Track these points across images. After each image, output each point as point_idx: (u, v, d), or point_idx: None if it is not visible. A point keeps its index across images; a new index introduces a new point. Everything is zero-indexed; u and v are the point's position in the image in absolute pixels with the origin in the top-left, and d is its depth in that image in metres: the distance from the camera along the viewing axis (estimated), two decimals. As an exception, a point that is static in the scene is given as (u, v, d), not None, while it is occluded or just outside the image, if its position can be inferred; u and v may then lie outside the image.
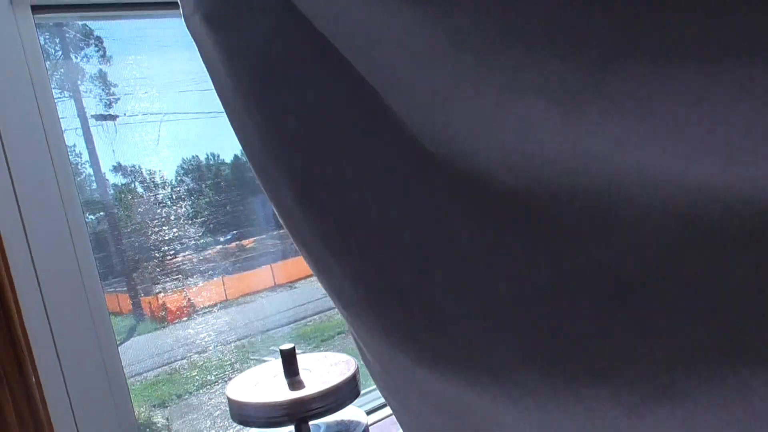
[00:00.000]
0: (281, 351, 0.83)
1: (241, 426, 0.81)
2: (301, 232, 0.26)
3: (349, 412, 0.90)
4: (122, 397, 0.85)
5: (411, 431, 0.28)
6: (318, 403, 0.79)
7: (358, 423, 0.86)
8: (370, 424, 0.95)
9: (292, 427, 0.82)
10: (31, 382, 0.72)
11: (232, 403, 0.81)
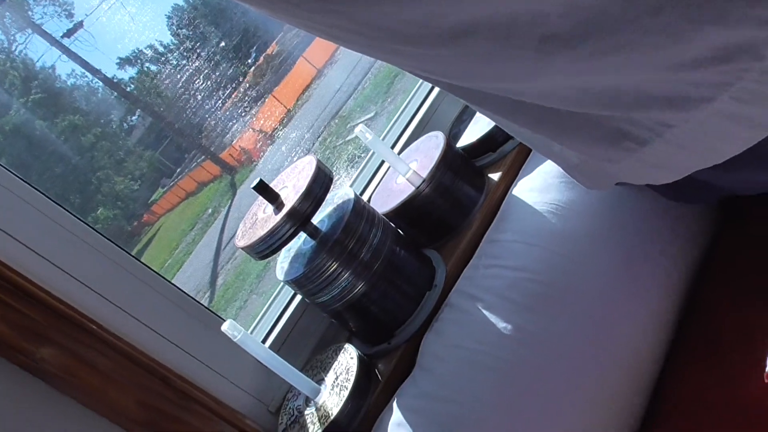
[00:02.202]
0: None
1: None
2: None
3: (340, 195, 0.99)
4: (179, 297, 0.98)
5: None
6: (304, 205, 0.88)
7: (349, 199, 0.95)
8: (366, 200, 1.05)
9: (304, 235, 0.94)
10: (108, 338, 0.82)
11: (245, 250, 0.91)
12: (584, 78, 0.55)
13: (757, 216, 0.88)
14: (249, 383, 1.02)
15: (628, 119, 0.60)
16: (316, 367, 1.01)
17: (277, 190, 0.95)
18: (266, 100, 9.62)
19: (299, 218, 0.90)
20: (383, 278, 0.94)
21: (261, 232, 0.91)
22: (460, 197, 1.03)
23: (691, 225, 0.92)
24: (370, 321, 0.97)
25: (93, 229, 0.93)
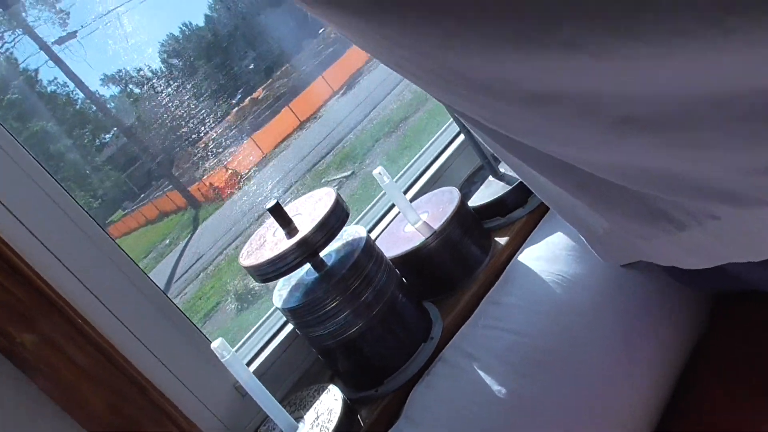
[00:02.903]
0: (269, 210, 0.90)
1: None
2: None
3: (351, 232, 0.98)
4: (169, 308, 0.95)
5: None
6: (317, 236, 0.87)
7: (360, 238, 0.94)
8: (376, 236, 1.10)
9: (308, 265, 0.93)
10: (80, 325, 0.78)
11: (248, 269, 0.90)
12: (650, 160, 0.55)
13: (751, 307, 0.92)
14: (221, 410, 0.98)
15: (675, 203, 0.61)
16: (295, 403, 0.97)
17: (290, 216, 0.93)
18: (245, 142, 9.62)
19: (310, 248, 0.89)
20: (382, 322, 0.93)
21: (269, 254, 0.89)
22: (465, 255, 1.04)
23: (691, 308, 0.95)
24: (361, 364, 0.95)
25: (102, 228, 0.90)
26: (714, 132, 0.47)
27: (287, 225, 0.92)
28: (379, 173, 1.04)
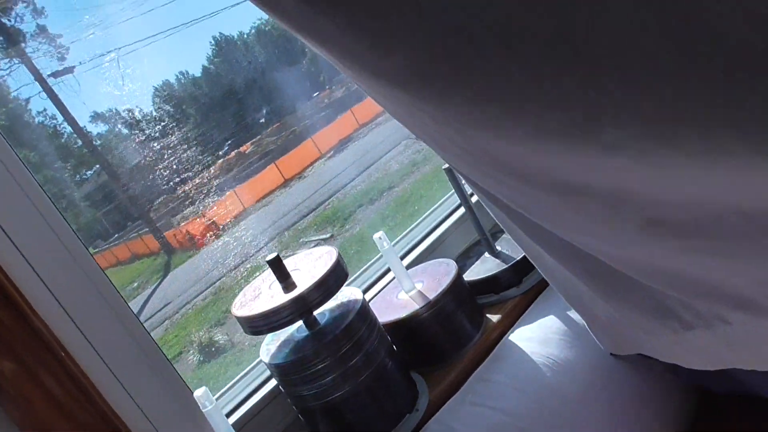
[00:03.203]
0: (268, 262, 0.90)
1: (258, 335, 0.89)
2: None
3: (346, 293, 0.98)
4: (154, 352, 0.92)
5: None
6: (314, 294, 0.86)
7: (356, 300, 0.94)
8: (368, 300, 1.08)
9: (301, 322, 0.92)
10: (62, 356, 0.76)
11: (240, 320, 0.89)
12: (670, 262, 0.56)
13: (737, 403, 0.91)
14: (193, 464, 0.94)
15: (685, 302, 0.62)
16: (269, 464, 0.94)
17: (289, 270, 0.93)
18: (227, 194, 9.57)
19: (306, 305, 0.88)
20: (368, 389, 0.91)
21: (264, 307, 0.88)
22: (457, 329, 1.04)
23: (679, 402, 0.95)
24: (343, 429, 0.92)
25: (97, 265, 0.89)
26: (739, 243, 0.47)
27: (285, 279, 0.92)
28: (379, 238, 1.05)
